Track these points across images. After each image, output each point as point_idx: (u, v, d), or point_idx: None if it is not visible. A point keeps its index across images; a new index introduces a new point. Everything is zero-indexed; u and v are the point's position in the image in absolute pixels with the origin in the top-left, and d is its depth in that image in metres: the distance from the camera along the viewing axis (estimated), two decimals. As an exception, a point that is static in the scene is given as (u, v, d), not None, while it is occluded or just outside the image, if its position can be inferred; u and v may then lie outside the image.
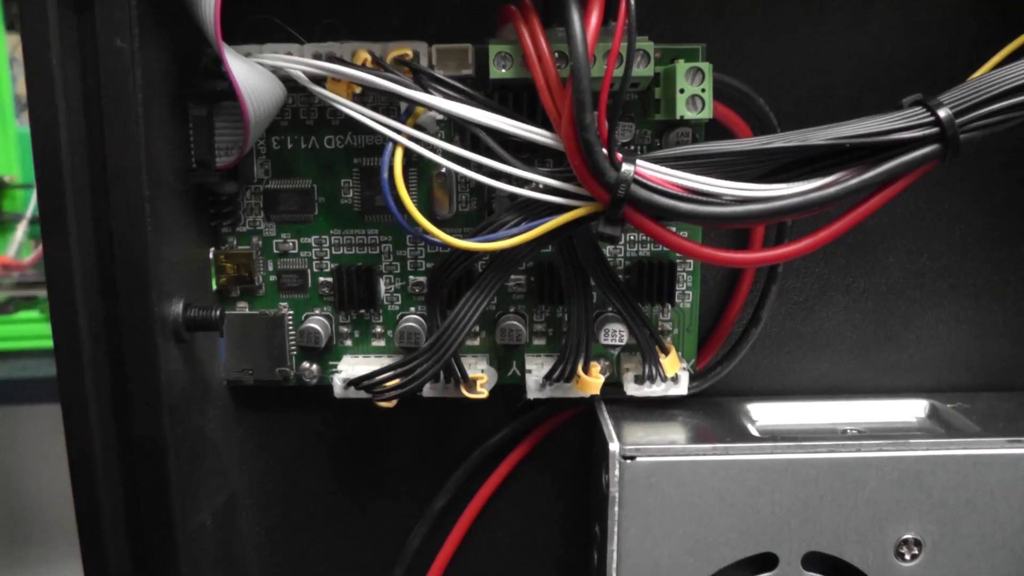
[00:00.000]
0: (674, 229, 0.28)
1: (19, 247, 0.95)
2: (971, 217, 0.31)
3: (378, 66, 0.26)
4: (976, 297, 0.32)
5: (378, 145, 0.29)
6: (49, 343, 0.24)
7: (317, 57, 0.26)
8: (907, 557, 0.28)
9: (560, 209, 0.25)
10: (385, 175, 0.25)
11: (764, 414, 0.31)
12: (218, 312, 0.27)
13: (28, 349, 0.88)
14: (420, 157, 0.27)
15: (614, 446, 0.27)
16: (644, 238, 0.30)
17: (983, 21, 0.30)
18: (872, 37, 0.30)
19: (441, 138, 0.26)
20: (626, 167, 0.24)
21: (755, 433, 0.29)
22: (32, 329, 0.89)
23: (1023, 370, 0.32)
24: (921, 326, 0.32)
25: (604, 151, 0.24)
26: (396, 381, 0.27)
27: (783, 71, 0.30)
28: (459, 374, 0.28)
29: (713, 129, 0.29)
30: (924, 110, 0.25)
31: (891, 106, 0.25)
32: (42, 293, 0.91)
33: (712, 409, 0.31)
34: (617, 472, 0.27)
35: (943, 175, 0.31)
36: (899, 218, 0.31)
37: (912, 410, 0.32)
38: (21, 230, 0.95)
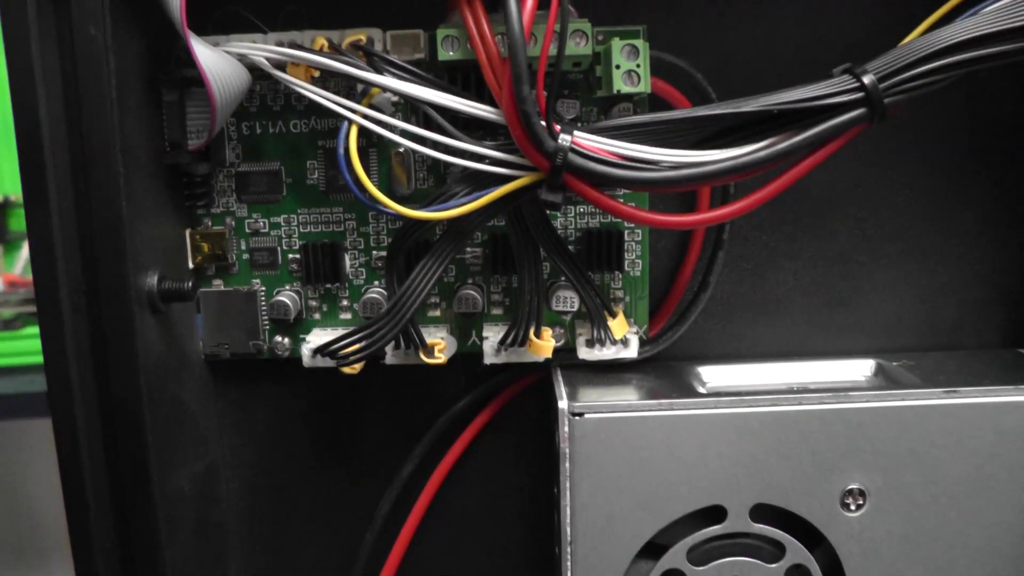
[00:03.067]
0: (622, 199, 0.30)
1: (25, 264, 0.98)
2: (915, 183, 0.33)
3: (334, 51, 0.28)
4: (922, 260, 0.33)
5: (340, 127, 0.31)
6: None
7: (279, 45, 0.28)
8: (852, 508, 0.29)
9: (506, 179, 0.27)
10: (341, 151, 0.27)
11: (715, 376, 0.32)
12: (190, 284, 0.28)
13: (36, 364, 0.90)
14: (380, 138, 0.29)
15: (563, 404, 0.28)
16: (593, 210, 0.32)
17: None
18: (811, 12, 0.31)
19: (398, 118, 0.28)
20: (564, 137, 0.26)
21: (703, 392, 0.30)
22: (39, 345, 0.91)
23: (968, 330, 0.34)
24: (869, 290, 0.33)
25: (543, 123, 0.26)
26: (358, 346, 0.29)
27: (725, 49, 0.32)
28: (417, 340, 0.30)
29: (655, 104, 0.30)
30: (851, 77, 0.26)
31: (825, 76, 0.27)
32: (50, 309, 0.93)
33: (664, 372, 0.32)
34: (567, 429, 0.28)
35: (887, 143, 0.32)
36: (845, 185, 0.33)
37: (860, 369, 0.33)
38: (27, 248, 0.98)
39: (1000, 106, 0.32)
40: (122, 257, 0.27)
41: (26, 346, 0.92)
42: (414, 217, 0.27)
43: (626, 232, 0.31)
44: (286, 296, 0.31)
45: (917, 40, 0.27)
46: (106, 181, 0.26)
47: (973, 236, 0.33)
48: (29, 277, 0.99)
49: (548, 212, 0.29)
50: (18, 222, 1.02)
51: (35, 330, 0.93)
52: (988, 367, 0.32)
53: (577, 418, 0.28)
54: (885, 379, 0.32)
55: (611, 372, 0.32)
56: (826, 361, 0.33)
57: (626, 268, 0.32)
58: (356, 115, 0.27)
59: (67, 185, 0.26)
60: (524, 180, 0.27)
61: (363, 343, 0.29)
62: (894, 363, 0.32)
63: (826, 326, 0.34)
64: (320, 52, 0.27)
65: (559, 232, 0.31)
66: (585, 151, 0.26)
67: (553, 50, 0.26)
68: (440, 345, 0.30)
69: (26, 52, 0.24)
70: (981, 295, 0.33)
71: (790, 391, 0.30)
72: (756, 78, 0.31)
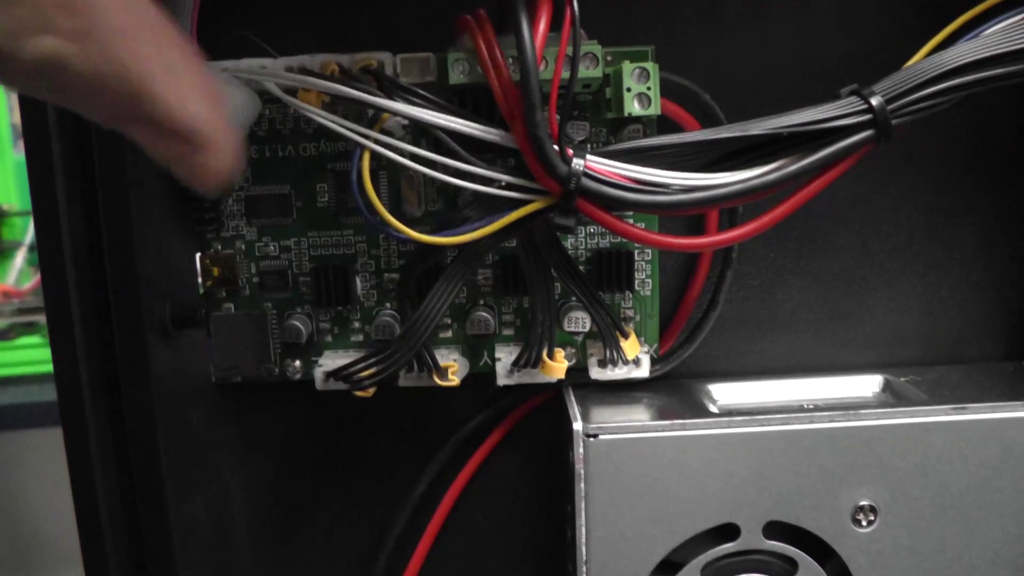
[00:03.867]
0: (631, 221, 0.30)
1: (18, 274, 0.97)
2: (916, 199, 0.33)
3: (345, 75, 0.28)
4: (924, 275, 0.34)
5: (350, 151, 0.31)
6: (50, 368, 0.26)
7: (289, 70, 0.28)
8: (863, 523, 0.29)
9: (518, 203, 0.27)
10: (354, 177, 0.27)
11: (725, 393, 0.33)
12: (203, 311, 0.28)
13: (29, 375, 0.89)
14: (389, 160, 0.29)
15: (577, 425, 0.29)
16: (603, 231, 0.32)
17: (919, 11, 0.31)
18: (812, 32, 0.32)
19: (408, 142, 0.28)
20: (576, 161, 0.26)
21: (714, 410, 0.30)
22: (33, 355, 0.91)
23: (971, 342, 0.34)
24: (874, 304, 0.34)
25: (555, 147, 0.26)
26: (372, 370, 0.29)
27: (729, 69, 0.32)
28: (431, 363, 0.30)
29: (663, 125, 0.31)
30: (858, 99, 0.27)
31: (832, 97, 0.27)
32: (42, 319, 0.92)
33: (674, 390, 0.32)
34: (581, 450, 0.29)
35: (889, 160, 0.33)
36: (848, 203, 0.33)
37: (868, 385, 0.33)
38: (20, 257, 0.97)
39: (999, 122, 0.33)
40: (134, 284, 0.27)
41: (20, 356, 0.91)
42: (427, 243, 0.27)
43: (636, 252, 0.32)
44: (297, 319, 0.31)
45: (922, 62, 0.27)
46: (117, 208, 0.26)
47: (974, 250, 0.34)
48: (23, 287, 0.98)
49: (559, 234, 0.29)
50: (10, 231, 1.01)
51: (29, 340, 0.92)
52: (992, 381, 0.32)
53: (591, 439, 0.29)
54: (892, 395, 0.32)
55: (622, 391, 0.32)
56: (834, 377, 0.33)
57: (636, 288, 0.32)
58: (369, 141, 0.27)
59: (78, 212, 0.26)
60: (537, 204, 0.27)
61: (377, 367, 0.29)
62: (901, 379, 0.32)
63: (832, 341, 0.34)
64: (331, 77, 0.27)
65: (569, 253, 0.31)
66: (598, 175, 0.26)
67: (565, 73, 0.26)
68: (453, 367, 0.30)
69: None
70: (983, 308, 0.34)
71: (800, 409, 0.30)
72: (758, 86, 0.32)
